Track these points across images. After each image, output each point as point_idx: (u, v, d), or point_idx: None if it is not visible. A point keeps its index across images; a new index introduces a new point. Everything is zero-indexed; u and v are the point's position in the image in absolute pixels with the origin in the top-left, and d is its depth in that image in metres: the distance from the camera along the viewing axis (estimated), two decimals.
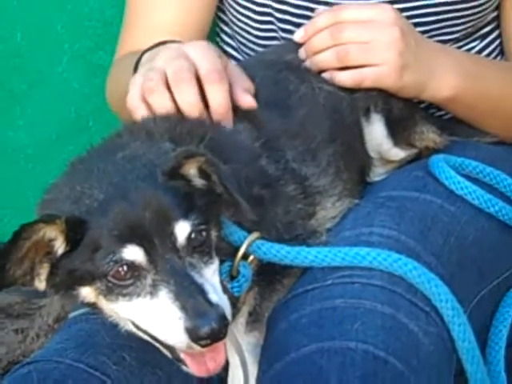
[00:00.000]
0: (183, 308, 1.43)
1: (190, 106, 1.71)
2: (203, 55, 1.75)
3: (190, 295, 1.44)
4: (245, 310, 1.71)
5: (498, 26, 2.32)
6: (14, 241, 1.45)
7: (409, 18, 2.08)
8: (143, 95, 1.74)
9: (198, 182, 1.55)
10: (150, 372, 1.67)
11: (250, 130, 1.77)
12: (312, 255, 1.65)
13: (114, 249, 1.46)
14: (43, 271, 1.51)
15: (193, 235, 1.49)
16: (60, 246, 1.49)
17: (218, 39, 2.42)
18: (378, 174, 2.06)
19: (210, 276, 1.51)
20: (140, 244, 1.46)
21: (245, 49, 2.33)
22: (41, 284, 1.51)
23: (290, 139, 1.83)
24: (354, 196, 1.90)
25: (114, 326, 1.59)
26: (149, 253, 1.46)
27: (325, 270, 1.66)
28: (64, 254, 1.49)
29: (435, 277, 1.63)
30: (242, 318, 1.70)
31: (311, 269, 1.67)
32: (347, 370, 1.50)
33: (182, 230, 1.48)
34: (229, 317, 1.47)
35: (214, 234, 1.57)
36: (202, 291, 1.44)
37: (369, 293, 1.61)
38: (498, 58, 2.34)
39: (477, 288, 1.85)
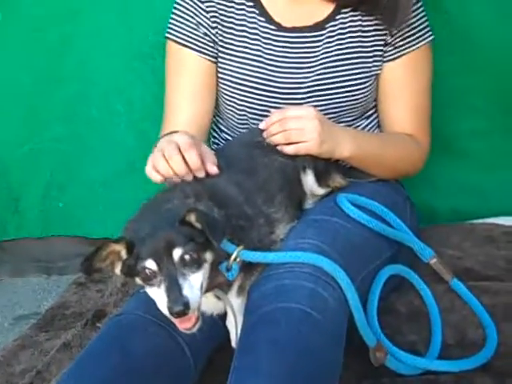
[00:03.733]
0: (168, 296, 1.67)
1: (179, 169, 1.90)
2: (183, 140, 1.93)
3: (172, 290, 1.67)
4: (235, 286, 1.89)
5: (376, 111, 2.51)
6: (99, 249, 1.73)
7: (322, 111, 2.25)
8: (154, 167, 1.93)
9: (198, 225, 1.74)
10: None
11: (236, 187, 1.95)
12: (272, 256, 1.87)
13: (143, 260, 1.71)
14: (118, 265, 1.77)
15: (186, 256, 1.70)
16: (123, 254, 1.75)
17: (215, 121, 2.57)
18: (308, 204, 2.23)
19: (193, 279, 1.71)
20: (155, 259, 1.71)
21: (231, 129, 2.53)
22: (118, 271, 1.78)
23: (258, 192, 2.00)
24: (294, 220, 2.06)
25: None
26: (159, 265, 1.71)
27: (279, 264, 1.86)
28: (126, 258, 1.75)
29: (338, 266, 1.83)
30: (233, 290, 1.89)
31: (272, 264, 1.87)
32: (290, 318, 1.74)
33: (177, 253, 1.71)
34: (192, 304, 1.67)
35: (208, 254, 1.75)
36: (179, 289, 1.66)
37: (302, 276, 1.82)
38: (376, 130, 2.51)
39: (360, 271, 2.03)
